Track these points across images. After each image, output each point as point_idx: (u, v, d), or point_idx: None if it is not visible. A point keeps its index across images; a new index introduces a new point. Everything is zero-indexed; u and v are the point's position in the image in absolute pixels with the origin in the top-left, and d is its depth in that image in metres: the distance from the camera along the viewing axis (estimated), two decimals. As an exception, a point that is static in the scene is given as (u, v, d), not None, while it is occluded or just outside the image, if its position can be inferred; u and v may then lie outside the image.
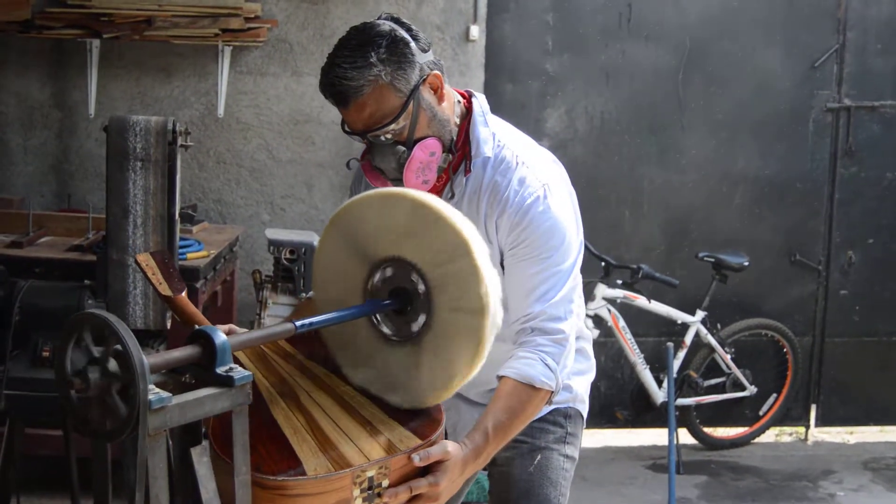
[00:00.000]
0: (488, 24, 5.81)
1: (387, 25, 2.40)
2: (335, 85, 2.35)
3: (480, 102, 2.58)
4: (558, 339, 2.41)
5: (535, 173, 2.47)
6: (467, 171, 2.50)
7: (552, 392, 2.39)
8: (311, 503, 2.05)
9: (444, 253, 2.13)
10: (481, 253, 2.11)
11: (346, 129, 2.46)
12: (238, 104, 5.75)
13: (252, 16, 5.53)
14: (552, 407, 2.63)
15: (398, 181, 2.43)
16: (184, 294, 2.54)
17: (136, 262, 2.63)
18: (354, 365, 2.32)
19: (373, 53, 2.33)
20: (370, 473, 2.08)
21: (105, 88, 5.62)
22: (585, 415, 2.79)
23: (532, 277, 2.42)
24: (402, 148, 2.40)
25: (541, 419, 2.65)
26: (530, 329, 2.42)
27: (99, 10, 5.35)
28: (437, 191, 2.50)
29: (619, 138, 6.00)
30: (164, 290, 2.63)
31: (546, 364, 2.37)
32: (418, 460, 2.14)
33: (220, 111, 5.66)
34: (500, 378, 2.38)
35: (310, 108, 5.77)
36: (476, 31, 5.74)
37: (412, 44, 2.39)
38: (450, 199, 2.50)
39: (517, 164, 2.47)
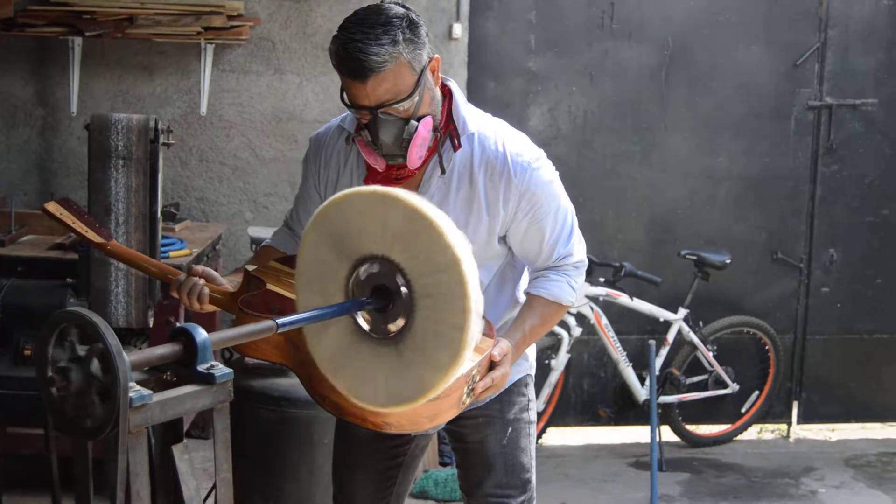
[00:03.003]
0: (471, 23, 5.81)
1: (399, 8, 2.56)
2: (357, 59, 2.46)
3: (457, 86, 2.78)
4: (579, 265, 2.84)
5: (517, 143, 2.72)
6: (457, 147, 2.67)
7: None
8: (442, 404, 2.40)
9: (432, 262, 2.13)
10: (470, 270, 2.12)
11: (349, 101, 2.58)
12: (221, 102, 5.74)
13: (235, 14, 5.52)
14: (515, 377, 2.92)
15: (395, 157, 2.60)
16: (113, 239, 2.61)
17: (46, 212, 2.66)
18: (330, 358, 2.32)
19: (398, 32, 2.49)
20: (474, 372, 2.45)
21: (87, 86, 5.61)
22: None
23: (552, 232, 2.76)
24: (414, 123, 2.57)
25: (507, 391, 2.90)
26: (559, 264, 2.81)
27: (81, 7, 5.33)
28: (419, 167, 2.66)
29: (602, 137, 6.01)
30: (94, 237, 2.65)
31: (570, 286, 2.81)
32: (498, 355, 2.57)
33: (203, 109, 5.65)
34: (530, 294, 2.80)
35: (293, 106, 5.77)
36: (459, 30, 5.74)
37: (421, 27, 2.57)
38: (441, 174, 2.67)
39: (500, 137, 2.70)
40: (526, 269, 2.92)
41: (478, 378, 2.50)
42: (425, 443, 3.06)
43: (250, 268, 2.69)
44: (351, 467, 3.03)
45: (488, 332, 2.61)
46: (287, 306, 2.41)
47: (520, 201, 2.68)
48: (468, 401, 2.51)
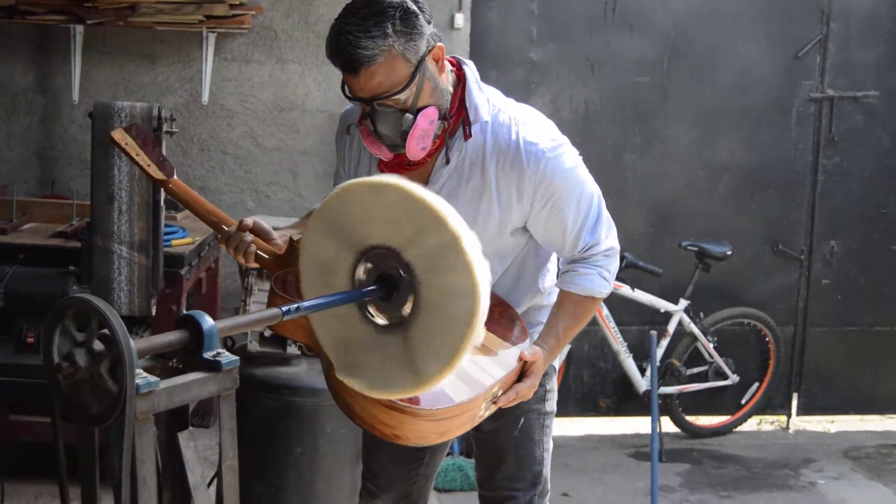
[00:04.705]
0: (473, 13, 5.81)
1: None
2: (348, 53, 2.40)
3: (472, 70, 2.68)
4: (609, 253, 2.73)
5: (535, 129, 2.62)
6: (468, 136, 2.60)
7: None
8: (454, 422, 2.38)
9: (434, 251, 2.13)
10: (473, 248, 2.12)
11: (348, 94, 2.52)
12: (222, 91, 5.74)
13: (237, 2, 5.52)
14: None
15: (397, 146, 2.53)
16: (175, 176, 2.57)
17: (112, 140, 2.59)
18: (332, 344, 2.33)
19: (388, 24, 2.41)
20: (495, 389, 2.42)
21: (89, 74, 5.61)
22: (557, 367, 3.01)
23: (575, 221, 2.66)
24: (410, 116, 2.49)
25: None
26: (587, 255, 2.71)
27: (83, -5, 5.34)
28: (430, 155, 2.60)
29: (604, 127, 6.01)
30: (156, 172, 2.58)
31: (603, 277, 2.71)
32: (529, 366, 2.53)
33: (205, 98, 5.65)
34: (561, 291, 2.72)
35: (294, 95, 5.77)
36: (461, 20, 5.74)
37: (420, 16, 2.47)
38: (446, 164, 2.61)
39: (516, 125, 2.61)
40: (554, 256, 2.87)
41: (500, 393, 2.47)
42: None
43: (296, 236, 2.57)
44: (378, 449, 3.02)
45: (520, 338, 2.58)
46: None
47: (535, 192, 2.59)
48: (486, 414, 2.48)
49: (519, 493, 2.91)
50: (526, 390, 2.53)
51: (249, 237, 2.59)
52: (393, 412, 2.29)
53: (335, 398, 2.44)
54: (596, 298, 2.73)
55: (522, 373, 2.53)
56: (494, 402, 2.46)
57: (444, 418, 2.34)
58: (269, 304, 2.53)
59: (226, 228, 2.64)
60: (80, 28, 5.45)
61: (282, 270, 2.58)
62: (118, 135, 2.60)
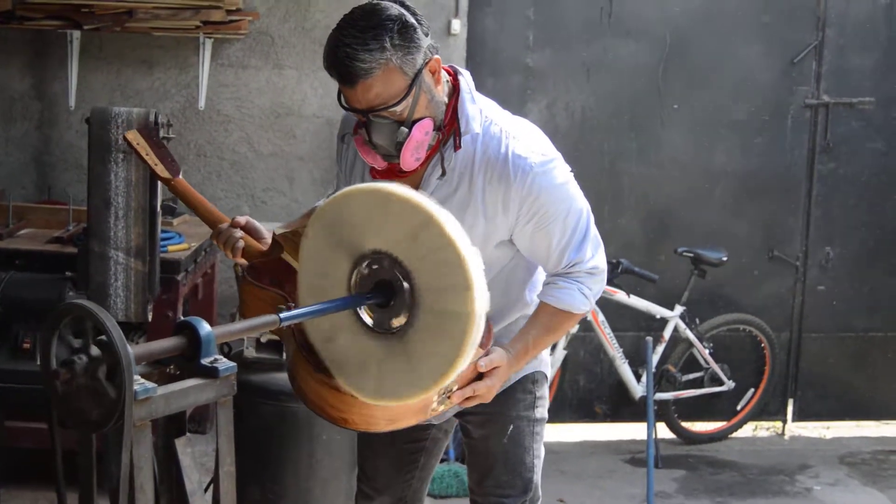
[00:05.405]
0: (469, 19, 5.82)
1: (395, 9, 2.47)
2: (346, 65, 2.42)
3: (467, 80, 2.68)
4: (593, 271, 2.70)
5: (526, 144, 2.60)
6: (457, 147, 2.59)
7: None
8: (405, 409, 2.37)
9: (432, 257, 2.15)
10: (474, 263, 2.13)
11: (345, 104, 2.54)
12: (219, 97, 5.74)
13: (233, 8, 5.52)
14: (522, 374, 2.85)
15: (392, 157, 2.53)
16: (181, 176, 2.63)
17: (126, 140, 2.71)
18: (332, 353, 2.34)
19: (386, 38, 2.41)
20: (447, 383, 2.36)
21: (86, 80, 5.61)
22: (549, 375, 2.99)
23: (560, 237, 2.63)
24: (405, 130, 2.49)
25: (511, 388, 2.83)
26: (571, 270, 2.68)
27: (80, 1, 5.33)
28: (422, 164, 2.60)
29: (600, 133, 6.01)
30: (163, 171, 2.66)
31: (583, 293, 2.68)
32: (483, 367, 2.51)
33: (201, 104, 5.65)
34: (540, 302, 2.71)
35: (291, 101, 5.77)
36: (457, 26, 5.75)
37: (418, 29, 2.48)
38: (440, 176, 2.60)
39: (507, 137, 2.60)
40: (540, 269, 2.85)
41: (454, 388, 2.46)
42: (448, 427, 3.03)
43: (279, 231, 2.64)
44: (374, 451, 3.03)
45: (484, 342, 2.55)
46: (288, 281, 2.45)
47: (521, 206, 2.57)
48: (441, 409, 2.48)
49: (509, 499, 2.90)
50: (484, 390, 2.53)
51: (239, 233, 2.63)
52: (343, 396, 2.31)
53: (291, 381, 2.48)
54: (573, 314, 2.71)
55: (481, 373, 2.54)
56: (449, 397, 2.45)
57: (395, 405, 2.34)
58: (240, 293, 2.63)
59: (218, 225, 2.69)
60: (76, 34, 5.45)
61: (257, 260, 2.62)
62: (131, 135, 2.73)
